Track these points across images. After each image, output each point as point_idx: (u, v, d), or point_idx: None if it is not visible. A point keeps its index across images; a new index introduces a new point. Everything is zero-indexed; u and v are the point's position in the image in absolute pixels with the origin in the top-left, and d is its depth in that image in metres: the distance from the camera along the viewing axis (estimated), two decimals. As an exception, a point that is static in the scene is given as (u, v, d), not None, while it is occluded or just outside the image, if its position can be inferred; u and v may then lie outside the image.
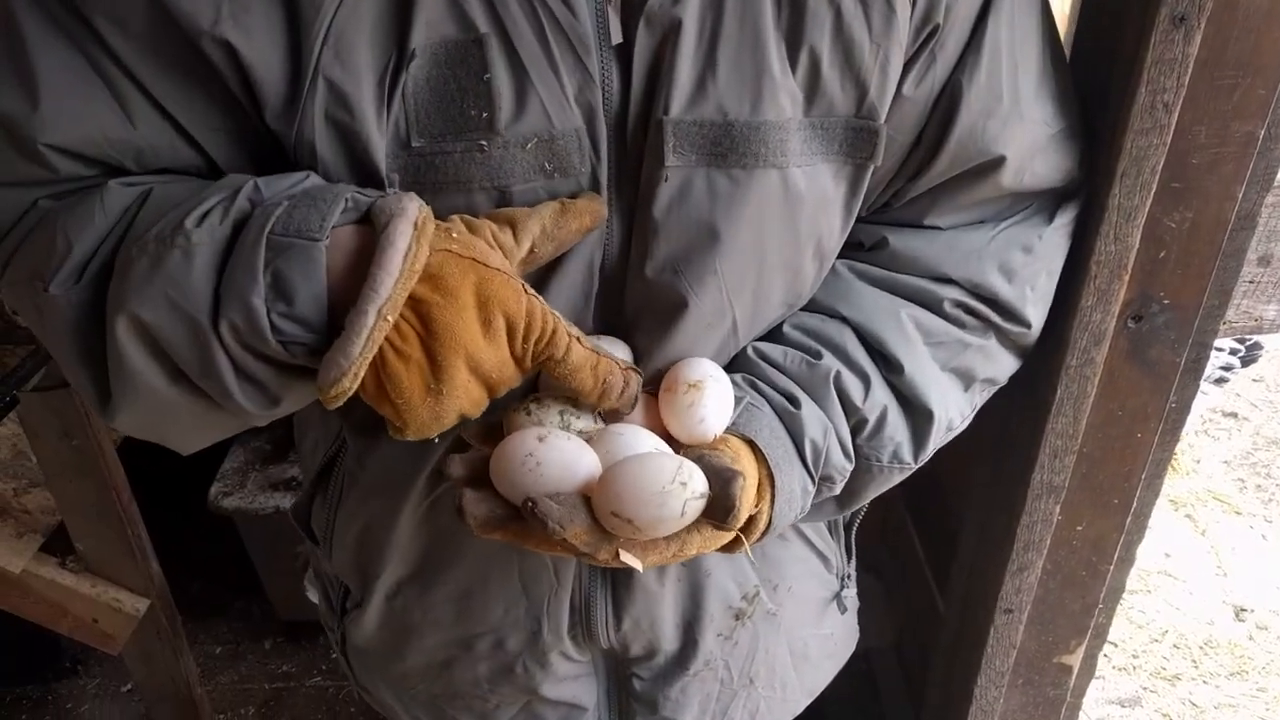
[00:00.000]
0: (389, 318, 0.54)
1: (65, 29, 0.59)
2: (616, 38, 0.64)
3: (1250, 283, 1.08)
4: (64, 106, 0.60)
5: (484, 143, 0.62)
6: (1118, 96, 0.79)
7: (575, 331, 0.62)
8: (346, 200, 0.57)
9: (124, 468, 1.59)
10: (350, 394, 0.55)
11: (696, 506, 0.60)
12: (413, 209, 0.56)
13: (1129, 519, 1.03)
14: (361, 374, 0.55)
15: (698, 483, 0.60)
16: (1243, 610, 2.36)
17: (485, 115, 0.62)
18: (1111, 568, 1.06)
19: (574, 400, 0.67)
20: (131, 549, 1.68)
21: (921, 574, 1.41)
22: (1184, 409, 1.04)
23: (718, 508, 0.61)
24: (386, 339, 0.55)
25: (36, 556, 1.63)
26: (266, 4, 0.59)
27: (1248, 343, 2.67)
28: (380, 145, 0.62)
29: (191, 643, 1.94)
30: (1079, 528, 1.03)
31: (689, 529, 0.62)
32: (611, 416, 0.70)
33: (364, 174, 0.63)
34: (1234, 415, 3.03)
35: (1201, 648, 2.27)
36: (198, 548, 2.26)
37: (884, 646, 1.59)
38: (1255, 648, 2.26)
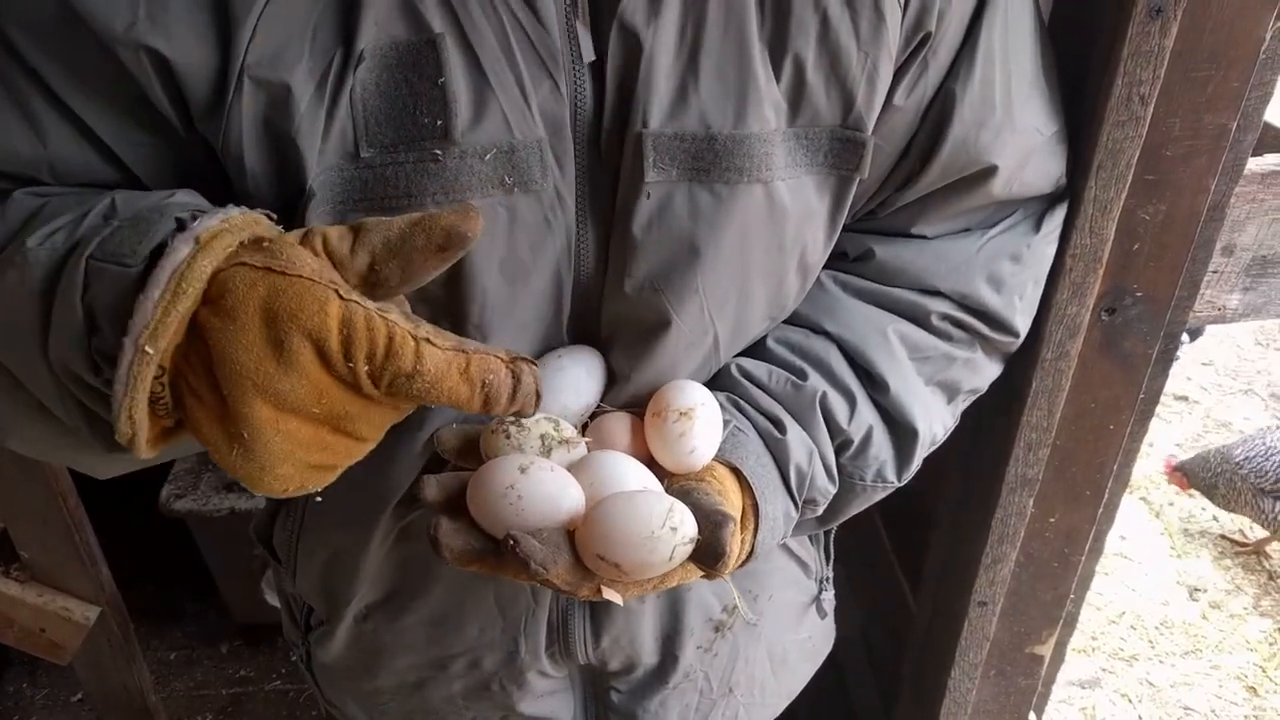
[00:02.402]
0: (147, 348, 0.46)
1: None
2: (589, 55, 0.60)
3: (1214, 272, 1.09)
4: None
5: (438, 152, 0.58)
6: (1093, 89, 0.79)
7: (426, 331, 0.49)
8: (180, 220, 0.49)
9: (70, 471, 1.53)
10: (142, 441, 0.48)
11: (685, 551, 0.58)
12: (208, 223, 0.48)
13: (1100, 509, 1.04)
14: (138, 417, 0.46)
15: (688, 527, 0.57)
16: (1196, 590, 2.42)
17: (440, 123, 0.57)
18: (1083, 558, 1.07)
19: (555, 421, 0.64)
20: (80, 555, 1.62)
21: (888, 563, 1.42)
22: (1153, 400, 1.05)
23: (707, 553, 0.58)
24: (183, 378, 0.47)
25: (-21, 565, 1.56)
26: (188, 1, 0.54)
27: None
28: (314, 155, 0.56)
29: (144, 649, 1.89)
30: (1052, 519, 1.03)
31: None
32: (593, 434, 0.68)
33: (295, 187, 0.57)
34: (1185, 399, 3.10)
35: (1157, 628, 2.32)
36: (149, 552, 2.20)
37: (851, 635, 1.59)
38: (1209, 627, 2.32)
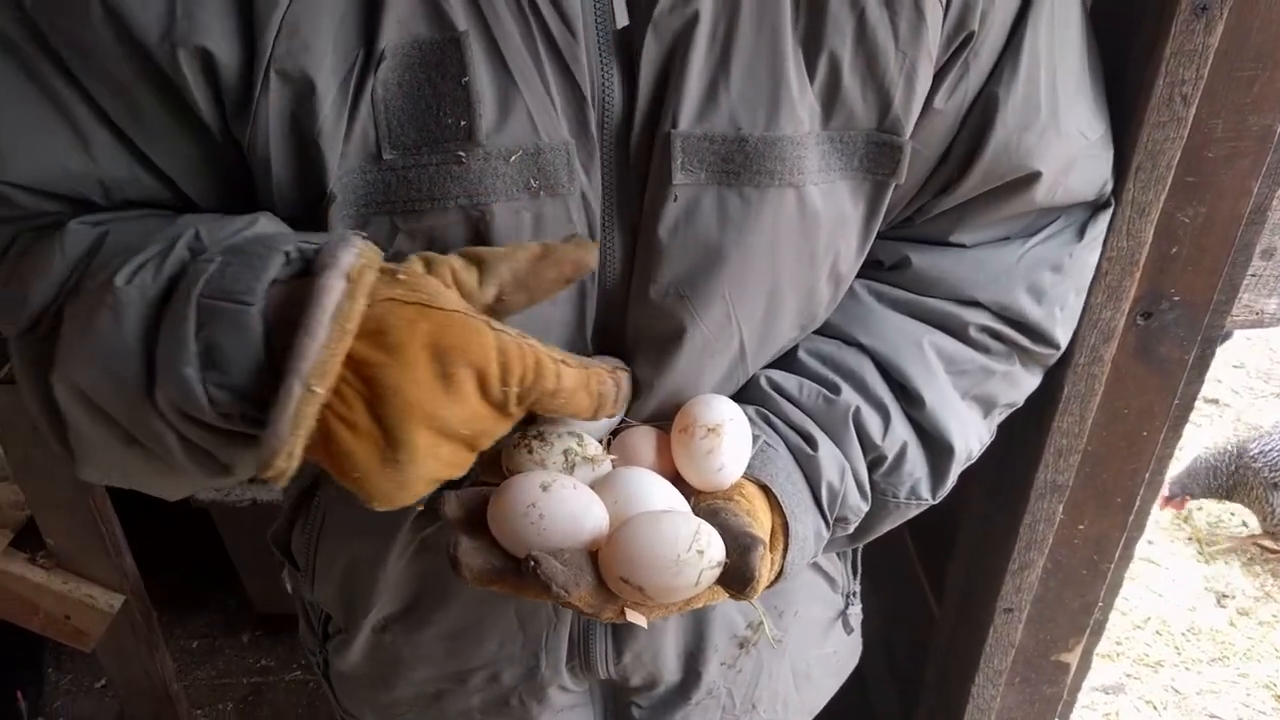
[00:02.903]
0: (316, 388, 0.47)
1: (20, 59, 0.54)
2: (622, 20, 0.58)
3: (1252, 276, 1.06)
4: (20, 143, 0.55)
5: (462, 154, 0.56)
6: (1133, 88, 0.77)
7: (560, 355, 0.54)
8: (288, 254, 0.51)
9: (96, 461, 1.54)
10: (294, 471, 0.49)
11: (712, 575, 0.56)
12: (347, 258, 0.49)
13: (1131, 517, 1.02)
14: (297, 452, 0.48)
15: (715, 551, 0.56)
16: (1224, 596, 2.38)
17: (464, 123, 0.56)
18: (1112, 566, 1.05)
19: (579, 435, 0.63)
20: (104, 543, 1.64)
21: (911, 566, 1.40)
22: (1187, 405, 1.03)
23: (735, 578, 0.56)
24: (329, 409, 0.48)
25: (6, 552, 1.58)
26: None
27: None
28: (335, 157, 0.56)
29: (167, 637, 1.90)
30: (1081, 526, 1.01)
31: None
32: (618, 449, 0.66)
33: (317, 190, 0.57)
34: (1215, 401, 3.05)
35: (1184, 634, 2.28)
36: (173, 541, 2.21)
37: (871, 639, 1.57)
38: (1236, 634, 2.28)
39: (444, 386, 0.49)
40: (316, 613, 0.89)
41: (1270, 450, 2.26)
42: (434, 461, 0.51)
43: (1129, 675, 2.19)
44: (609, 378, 0.58)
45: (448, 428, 0.50)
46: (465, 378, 0.50)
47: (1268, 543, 2.49)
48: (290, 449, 0.47)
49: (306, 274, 0.50)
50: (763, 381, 0.73)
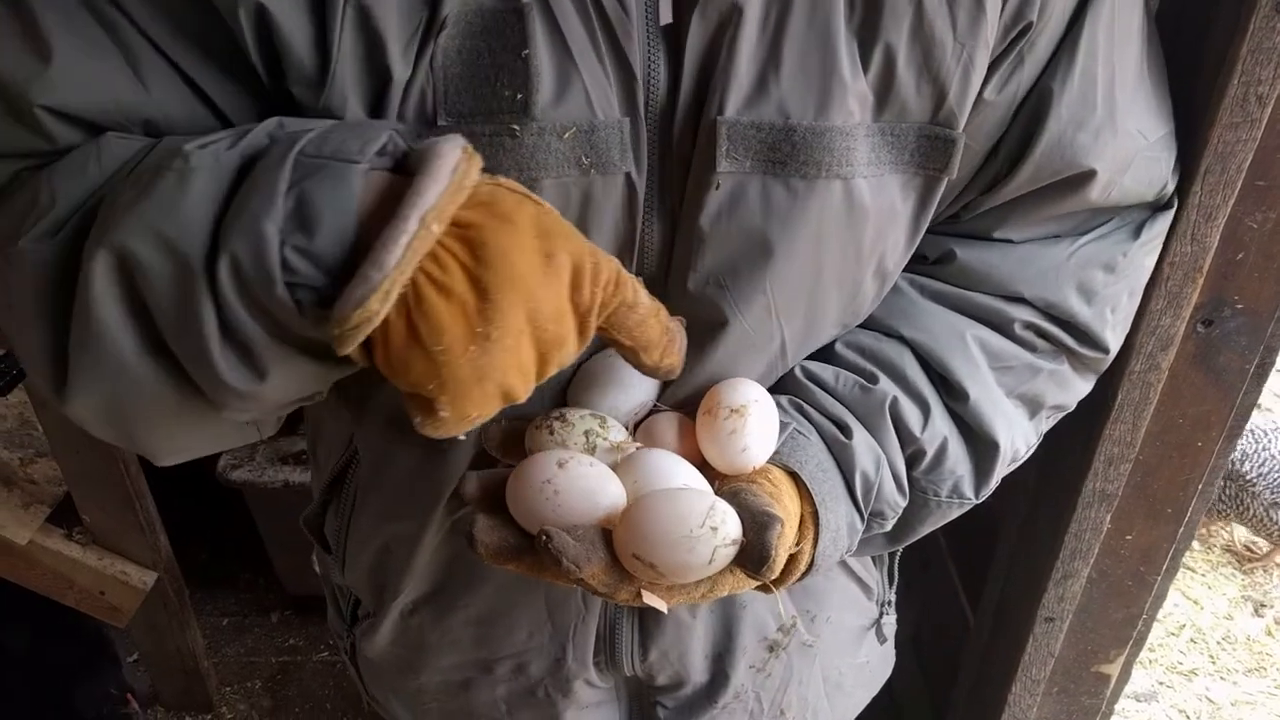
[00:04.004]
0: (435, 227, 0.45)
1: None
2: (666, 18, 0.57)
3: (1315, 283, 1.03)
4: (75, 67, 0.53)
5: (516, 128, 0.55)
6: (1205, 87, 0.74)
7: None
8: (390, 135, 0.49)
9: (132, 440, 1.55)
10: (372, 326, 0.46)
11: (727, 554, 0.54)
12: (459, 139, 0.49)
13: (1181, 529, 0.99)
14: (394, 294, 0.45)
15: (730, 527, 0.54)
16: (1262, 606, 2.33)
17: (520, 96, 0.55)
18: (1159, 578, 1.02)
19: (601, 418, 0.62)
20: (139, 521, 1.65)
21: (945, 569, 1.38)
22: (1244, 415, 1.00)
23: (751, 556, 0.55)
24: (422, 269, 0.46)
25: (43, 528, 1.60)
26: None
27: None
28: (392, 117, 0.55)
29: (198, 614, 1.92)
30: (1129, 537, 0.99)
31: (720, 571, 0.57)
32: (643, 436, 0.64)
33: None
34: (1258, 406, 2.98)
35: (1219, 643, 2.24)
36: (205, 520, 2.23)
37: (901, 641, 1.55)
38: (1274, 644, 2.23)
39: (545, 266, 0.48)
40: (345, 596, 0.89)
41: (1269, 471, 2.19)
42: (513, 357, 0.48)
43: (1162, 683, 2.15)
44: (676, 320, 0.58)
45: (538, 316, 0.48)
46: (564, 264, 0.49)
47: (1242, 551, 2.43)
48: (389, 288, 0.45)
49: (396, 171, 0.49)
50: (798, 371, 0.71)
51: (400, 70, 0.54)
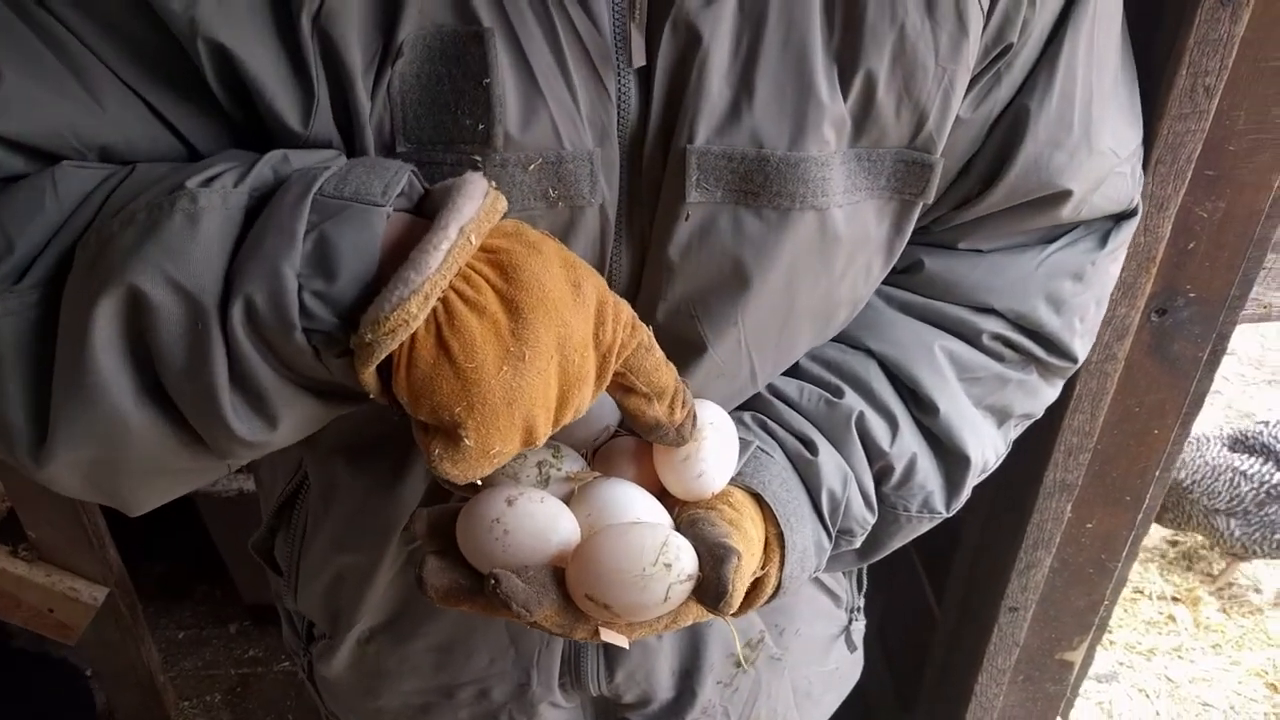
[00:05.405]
0: (473, 239, 0.44)
1: (22, 10, 0.49)
2: (639, 60, 0.55)
3: (1264, 269, 1.05)
4: (23, 91, 0.49)
5: (477, 158, 0.53)
6: (1154, 79, 0.74)
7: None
8: (409, 176, 0.48)
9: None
10: (406, 334, 0.43)
11: (683, 590, 0.52)
12: (482, 177, 0.48)
13: (1139, 515, 1.00)
14: (433, 299, 0.43)
15: (685, 563, 0.52)
16: (1217, 586, 2.38)
17: (481, 127, 0.52)
18: (1120, 564, 1.03)
19: (555, 447, 0.59)
20: (87, 535, 1.60)
21: (909, 561, 1.38)
22: (1198, 402, 1.01)
23: (708, 591, 0.52)
24: (453, 287, 0.44)
25: (-14, 546, 1.55)
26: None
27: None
28: (355, 146, 0.53)
29: (153, 628, 1.87)
30: (1089, 525, 1.00)
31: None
32: (600, 463, 0.61)
33: None
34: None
35: (1177, 622, 2.28)
36: (158, 531, 2.17)
37: (867, 633, 1.56)
38: (1229, 623, 2.28)
39: (574, 294, 0.48)
40: (299, 618, 0.87)
41: (1202, 479, 2.21)
42: (542, 382, 0.47)
43: (1122, 664, 2.19)
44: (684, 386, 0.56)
45: (568, 344, 0.47)
46: (590, 295, 0.48)
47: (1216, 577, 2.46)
48: (428, 292, 0.43)
49: (414, 213, 0.48)
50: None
51: (364, 99, 0.52)
